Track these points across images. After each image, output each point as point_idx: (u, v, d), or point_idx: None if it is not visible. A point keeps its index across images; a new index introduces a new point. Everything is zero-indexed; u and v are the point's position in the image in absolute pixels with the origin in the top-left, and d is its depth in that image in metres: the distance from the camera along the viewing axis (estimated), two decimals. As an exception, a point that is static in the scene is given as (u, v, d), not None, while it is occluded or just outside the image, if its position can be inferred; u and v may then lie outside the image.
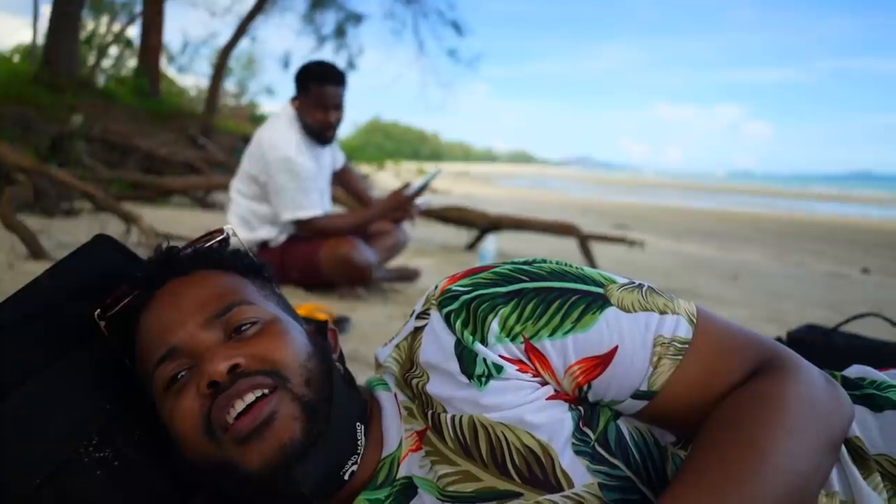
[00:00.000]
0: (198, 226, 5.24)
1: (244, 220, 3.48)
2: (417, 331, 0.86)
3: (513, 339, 0.80)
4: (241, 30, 17.50)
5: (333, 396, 0.83)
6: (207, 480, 0.83)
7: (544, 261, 0.87)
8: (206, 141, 11.87)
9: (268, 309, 0.89)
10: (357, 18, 20.61)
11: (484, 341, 0.80)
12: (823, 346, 1.65)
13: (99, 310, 0.92)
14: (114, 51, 24.08)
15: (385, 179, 18.90)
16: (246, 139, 8.82)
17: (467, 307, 0.82)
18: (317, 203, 3.46)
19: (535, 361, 0.81)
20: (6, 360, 0.88)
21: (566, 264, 0.87)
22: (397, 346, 0.89)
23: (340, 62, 18.63)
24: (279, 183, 3.36)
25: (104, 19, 23.89)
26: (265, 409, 0.78)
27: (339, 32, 20.56)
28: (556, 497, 0.79)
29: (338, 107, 3.49)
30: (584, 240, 5.29)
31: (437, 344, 0.83)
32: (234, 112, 25.72)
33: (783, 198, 35.56)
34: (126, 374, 0.92)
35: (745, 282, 5.32)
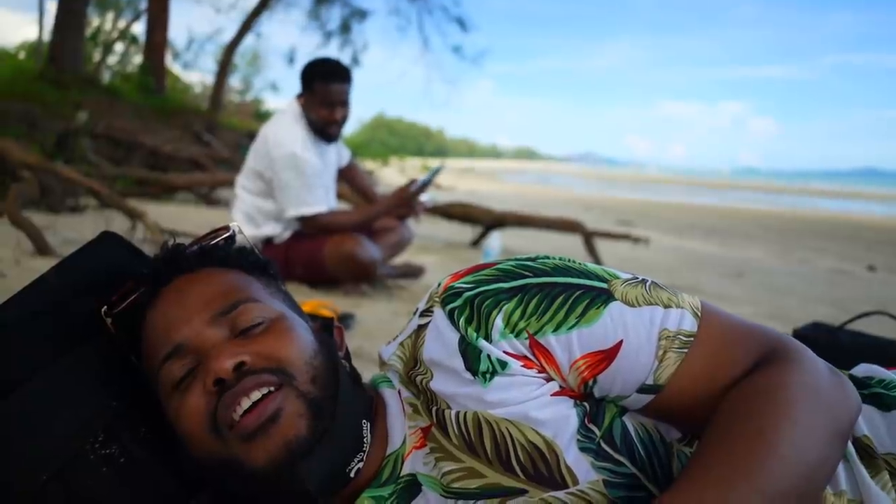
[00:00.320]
0: (202, 222, 5.25)
1: (249, 216, 3.49)
2: (421, 328, 0.86)
3: (517, 335, 0.80)
4: (246, 26, 17.48)
5: (339, 394, 0.83)
6: (213, 477, 0.84)
7: (548, 257, 0.87)
8: (211, 137, 11.88)
9: (273, 306, 0.89)
10: (362, 14, 20.59)
11: (488, 338, 0.80)
12: (829, 344, 1.64)
13: (105, 307, 0.92)
14: (119, 47, 24.12)
15: (389, 176, 18.88)
16: (251, 136, 8.84)
17: (471, 304, 0.82)
18: (322, 200, 3.47)
19: (539, 357, 0.81)
20: (13, 357, 0.88)
21: (570, 260, 0.87)
22: (401, 343, 0.90)
23: (345, 58, 18.63)
24: (284, 179, 3.36)
25: (109, 16, 23.94)
26: (270, 406, 0.78)
27: (345, 28, 20.53)
28: (560, 494, 0.79)
29: (343, 104, 3.49)
30: (588, 236, 5.28)
31: (441, 341, 0.83)
32: (238, 108, 25.74)
33: (787, 194, 35.46)
34: (132, 372, 0.92)
35: (748, 279, 5.31)
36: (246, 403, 0.78)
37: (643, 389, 0.80)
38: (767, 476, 0.68)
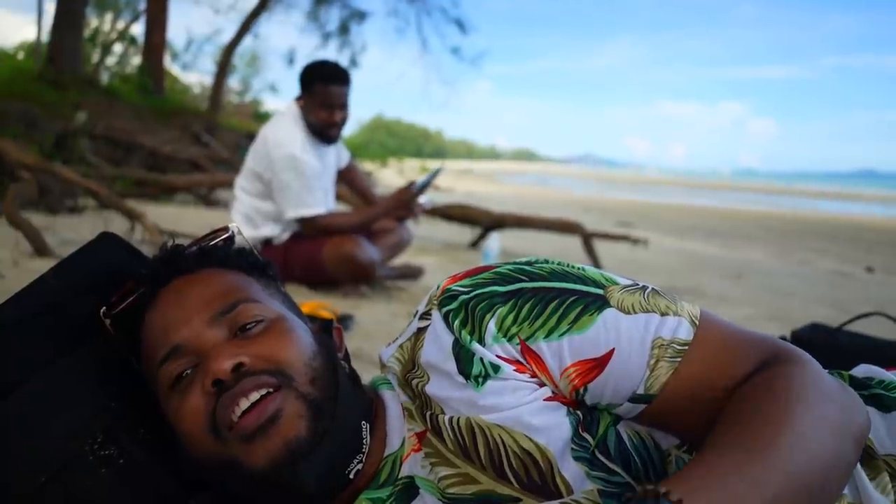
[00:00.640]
0: (201, 223, 5.25)
1: (248, 217, 3.49)
2: (420, 331, 0.86)
3: (509, 340, 0.80)
4: (245, 27, 17.48)
5: (339, 395, 0.83)
6: (212, 478, 0.83)
7: (546, 261, 0.87)
8: (210, 138, 11.88)
9: (273, 307, 0.89)
10: (361, 16, 20.60)
11: (482, 341, 0.80)
12: (827, 345, 1.64)
13: (104, 308, 0.92)
14: (118, 48, 24.12)
15: (388, 177, 18.89)
16: (250, 136, 8.84)
17: (465, 307, 0.81)
18: (321, 201, 3.47)
19: (531, 363, 0.80)
20: (11, 358, 0.88)
21: (568, 264, 0.86)
22: (401, 346, 0.89)
23: (344, 60, 18.65)
24: (284, 181, 3.37)
25: (108, 17, 23.94)
26: (270, 407, 0.77)
27: (343, 30, 20.54)
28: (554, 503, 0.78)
29: (342, 106, 3.49)
30: (587, 238, 5.29)
31: (438, 344, 0.83)
32: (237, 109, 25.74)
33: (787, 196, 35.48)
34: (131, 373, 0.92)
35: (748, 280, 5.31)
36: (245, 404, 0.78)
37: (635, 399, 0.79)
38: (787, 458, 0.65)
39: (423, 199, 3.63)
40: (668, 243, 7.96)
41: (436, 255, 5.05)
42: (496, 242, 4.93)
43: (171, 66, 23.67)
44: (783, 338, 1.79)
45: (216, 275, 0.91)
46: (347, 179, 4.01)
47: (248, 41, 21.95)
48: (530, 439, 0.79)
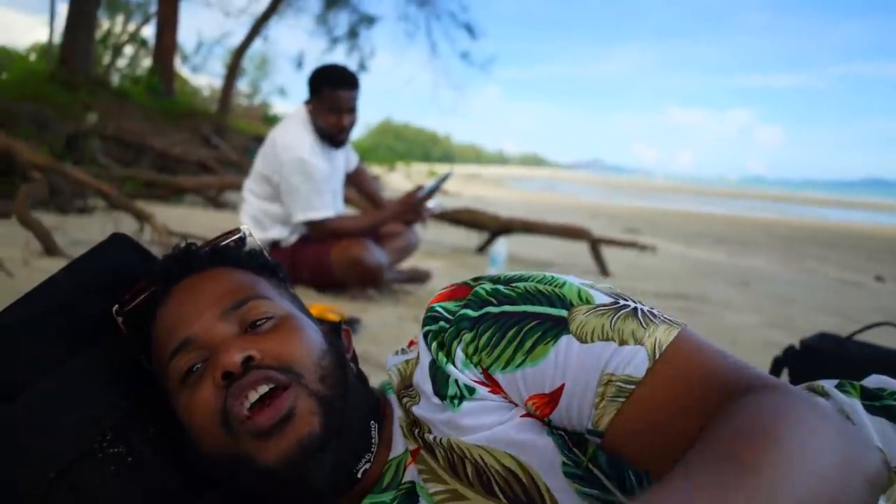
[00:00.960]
0: (210, 225, 5.27)
1: (256, 219, 3.50)
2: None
3: (475, 367, 0.79)
4: (255, 30, 17.57)
5: (348, 394, 0.84)
6: (221, 474, 0.84)
7: (526, 278, 0.82)
8: (219, 141, 11.93)
9: (282, 305, 0.90)
10: (370, 20, 20.68)
11: (455, 365, 0.79)
12: (836, 354, 1.64)
13: (116, 306, 0.93)
14: (129, 50, 24.28)
15: (396, 181, 18.92)
16: (259, 139, 8.88)
17: (442, 331, 0.81)
18: (329, 204, 3.48)
19: (497, 390, 0.79)
20: (21, 358, 0.89)
21: (549, 280, 0.81)
22: (406, 361, 0.89)
23: (352, 64, 18.70)
24: (292, 184, 3.38)
25: (119, 19, 24.11)
26: (285, 405, 0.78)
27: (352, 34, 20.63)
28: None
29: (351, 110, 3.50)
30: (594, 243, 5.28)
31: (420, 364, 0.83)
32: (246, 112, 25.83)
33: (794, 203, 35.38)
34: (141, 372, 0.93)
35: (754, 287, 5.29)
36: (253, 396, 0.78)
37: (589, 432, 0.75)
38: (780, 485, 0.52)
39: (431, 204, 3.63)
40: (675, 250, 7.94)
41: (443, 260, 5.06)
42: (503, 247, 4.93)
43: (182, 69, 23.82)
44: (791, 347, 1.78)
45: (227, 273, 0.92)
46: (356, 183, 4.02)
47: (257, 44, 22.11)
48: (512, 457, 0.78)
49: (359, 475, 0.85)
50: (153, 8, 18.86)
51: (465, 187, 20.38)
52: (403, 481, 0.86)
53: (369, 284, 3.47)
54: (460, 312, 0.80)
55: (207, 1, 23.41)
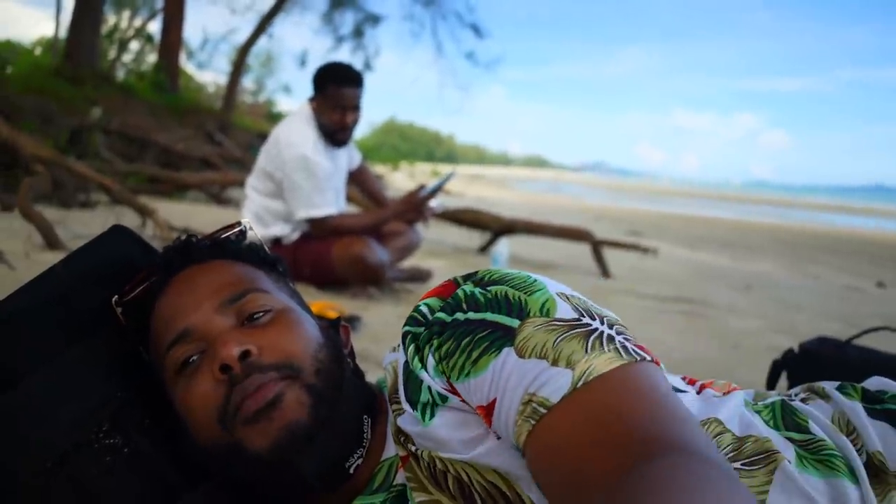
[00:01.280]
0: (212, 221, 5.28)
1: (258, 216, 3.50)
2: None
3: (442, 374, 0.77)
4: (261, 27, 17.57)
5: (342, 386, 0.84)
6: (216, 465, 0.84)
7: (506, 280, 0.79)
8: (223, 137, 11.95)
9: (281, 299, 0.90)
10: (375, 20, 20.68)
11: (427, 370, 0.78)
12: (835, 358, 1.63)
13: (116, 296, 0.93)
14: (134, 45, 24.28)
15: (399, 180, 18.93)
16: (262, 136, 8.87)
17: (418, 333, 0.80)
18: (331, 202, 3.48)
19: (464, 399, 0.76)
20: (20, 347, 0.89)
21: (523, 286, 0.78)
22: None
23: (357, 63, 18.69)
24: (295, 181, 3.38)
25: (125, 14, 24.13)
26: (272, 391, 0.78)
27: (357, 33, 20.64)
28: None
29: (355, 108, 3.50)
30: (596, 245, 5.28)
31: (399, 364, 0.82)
32: (251, 109, 25.86)
33: (798, 209, 35.35)
34: (139, 363, 0.93)
35: (758, 292, 5.29)
36: (255, 406, 0.78)
37: (520, 451, 0.71)
38: None
39: (433, 203, 3.64)
40: (679, 253, 7.94)
41: (445, 259, 5.06)
42: (505, 248, 4.93)
43: (187, 65, 23.84)
44: (790, 351, 1.78)
45: (227, 265, 0.93)
46: (358, 181, 4.02)
47: (262, 41, 22.17)
48: (496, 472, 0.77)
49: (350, 470, 0.84)
50: (159, 4, 18.88)
51: (468, 188, 20.38)
52: (395, 483, 0.86)
53: (370, 283, 3.47)
54: (435, 316, 0.79)
55: (214, -3, 23.43)
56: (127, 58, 23.85)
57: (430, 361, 0.77)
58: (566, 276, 4.77)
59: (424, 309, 0.81)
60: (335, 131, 3.48)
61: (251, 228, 1.03)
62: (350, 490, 0.86)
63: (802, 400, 0.91)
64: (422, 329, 0.79)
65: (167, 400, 0.87)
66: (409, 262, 4.01)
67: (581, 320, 0.74)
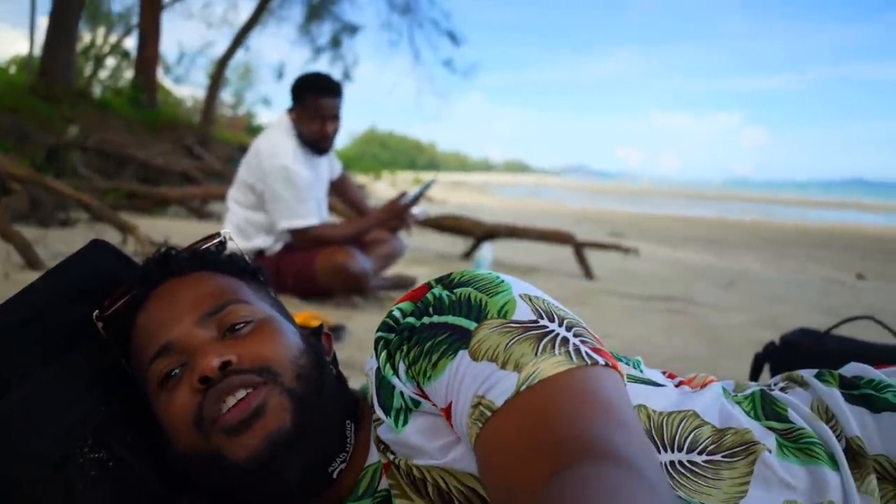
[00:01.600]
0: (194, 235, 5.22)
1: (240, 228, 3.49)
2: None
3: (412, 379, 0.77)
4: (238, 40, 17.51)
5: (323, 391, 0.84)
6: (198, 475, 0.84)
7: (472, 282, 0.79)
8: (203, 151, 11.89)
9: (262, 309, 0.90)
10: (353, 30, 20.65)
11: (398, 376, 0.78)
12: (815, 349, 1.66)
13: (97, 311, 0.93)
14: (110, 62, 24.10)
15: (381, 189, 18.91)
16: (242, 149, 8.84)
17: (389, 339, 0.80)
18: (313, 212, 3.48)
19: (434, 404, 0.77)
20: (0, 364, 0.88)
21: (487, 288, 0.78)
22: None
23: (336, 73, 18.69)
24: (276, 192, 3.37)
25: (101, 31, 23.94)
26: (255, 401, 0.78)
27: (335, 43, 20.60)
28: None
29: (334, 118, 3.51)
30: (578, 247, 5.30)
31: (372, 369, 0.82)
32: (230, 122, 25.73)
33: (779, 205, 35.64)
34: (121, 377, 0.93)
35: (741, 288, 5.33)
36: (231, 401, 0.78)
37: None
38: None
39: (415, 210, 3.64)
40: (661, 253, 7.98)
41: (429, 266, 5.06)
42: (489, 253, 4.93)
43: (164, 80, 23.71)
44: (771, 343, 1.80)
45: (207, 277, 0.92)
46: (340, 191, 4.02)
47: (240, 54, 22.03)
48: (474, 477, 0.77)
49: (334, 475, 0.84)
50: (135, 20, 18.77)
51: (449, 195, 20.39)
52: (379, 489, 0.86)
53: (354, 291, 3.47)
54: (405, 321, 0.79)
55: (189, 12, 23.38)
56: (103, 74, 23.70)
57: (401, 367, 0.77)
58: (550, 279, 4.79)
59: (397, 313, 0.81)
60: (315, 141, 3.49)
61: (231, 239, 1.03)
62: (335, 496, 0.86)
63: (782, 389, 0.92)
64: (393, 335, 0.80)
65: (151, 412, 0.86)
66: (393, 270, 4.01)
67: (538, 322, 0.73)
